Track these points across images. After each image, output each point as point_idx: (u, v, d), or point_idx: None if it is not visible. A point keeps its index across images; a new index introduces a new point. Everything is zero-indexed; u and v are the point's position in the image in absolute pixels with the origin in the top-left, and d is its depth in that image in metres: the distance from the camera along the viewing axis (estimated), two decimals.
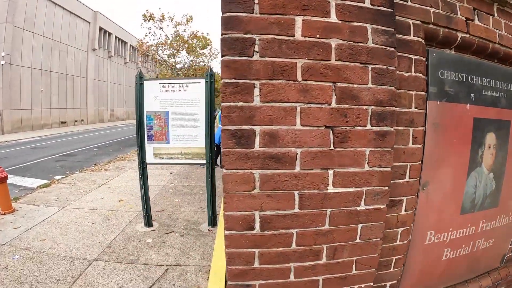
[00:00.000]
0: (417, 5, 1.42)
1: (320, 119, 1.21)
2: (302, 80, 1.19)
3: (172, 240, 3.54)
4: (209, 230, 3.80)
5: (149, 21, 14.61)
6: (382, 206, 1.34)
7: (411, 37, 1.41)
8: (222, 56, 1.14)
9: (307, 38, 1.18)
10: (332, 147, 1.24)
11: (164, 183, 6.36)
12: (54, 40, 26.06)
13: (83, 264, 2.99)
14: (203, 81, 3.62)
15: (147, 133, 3.57)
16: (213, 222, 3.84)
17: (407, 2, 1.40)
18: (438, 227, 1.70)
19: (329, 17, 1.19)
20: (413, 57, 1.42)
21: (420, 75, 1.45)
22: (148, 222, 3.84)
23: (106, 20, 36.21)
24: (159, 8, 15.04)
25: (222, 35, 1.13)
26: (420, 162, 1.52)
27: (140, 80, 3.53)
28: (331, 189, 1.27)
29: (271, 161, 1.21)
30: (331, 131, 1.23)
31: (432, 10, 1.45)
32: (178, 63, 15.71)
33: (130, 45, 43.60)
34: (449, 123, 1.59)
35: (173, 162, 3.73)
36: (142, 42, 14.79)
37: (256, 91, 1.17)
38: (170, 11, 14.97)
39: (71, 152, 11.54)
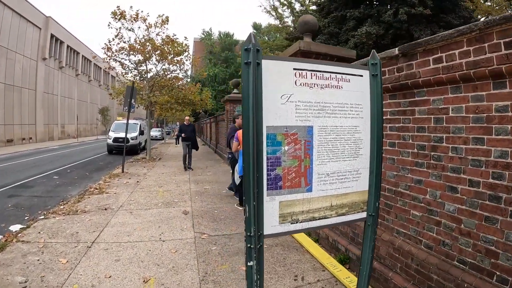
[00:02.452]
0: None
1: None
2: None
3: None
4: None
5: (119, 20, 12.39)
6: None
7: None
8: None
9: None
10: None
11: (191, 233, 4.28)
12: (1, 45, 22.23)
13: None
14: (366, 74, 1.87)
15: (268, 173, 1.66)
16: None
17: None
18: None
19: None
20: None
21: None
22: None
23: (58, 27, 32.59)
24: (131, 7, 12.43)
25: None
26: None
27: (253, 55, 1.54)
28: None
29: None
30: None
31: None
32: (149, 71, 13.49)
33: (83, 56, 39.99)
34: None
35: (316, 226, 1.84)
36: (109, 45, 12.39)
37: None
38: (144, 10, 13.08)
39: (25, 181, 8.71)
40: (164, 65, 13.55)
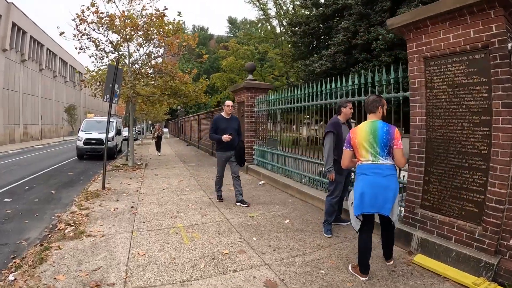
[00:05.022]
0: None
1: None
2: None
3: None
4: None
5: None
6: None
7: None
8: None
9: None
10: None
11: None
12: None
13: None
14: None
15: None
16: None
17: None
18: None
19: None
20: None
21: None
22: None
23: (20, 15, 28.10)
24: None
25: None
26: None
27: None
28: None
29: None
30: None
31: None
32: (131, 55, 10.45)
33: (48, 49, 35.52)
34: None
35: None
36: (83, 16, 9.23)
37: None
38: None
39: None
40: (150, 48, 10.57)
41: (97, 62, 10.35)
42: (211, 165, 11.22)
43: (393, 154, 2.69)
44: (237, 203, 5.46)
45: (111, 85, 6.85)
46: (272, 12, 32.45)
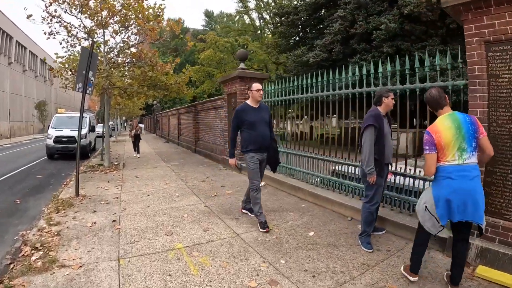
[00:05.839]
0: None
1: None
2: None
3: None
4: None
5: None
6: None
7: None
8: None
9: None
10: None
11: None
12: None
13: None
14: None
15: None
16: None
17: None
18: None
19: None
20: None
21: None
22: None
23: None
24: None
25: None
26: None
27: None
28: None
29: None
30: None
31: None
32: (106, 43, 9.28)
33: (17, 41, 32.86)
34: None
35: None
36: None
37: None
38: None
39: None
40: (128, 34, 9.39)
41: (69, 50, 9.07)
42: (196, 163, 10.26)
43: (479, 147, 2.42)
44: (243, 210, 4.58)
45: (84, 72, 5.72)
46: (252, 4, 31.64)
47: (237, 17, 38.62)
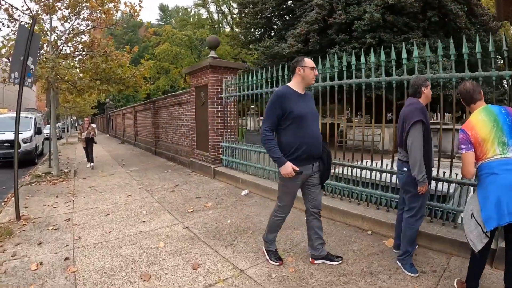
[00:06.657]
0: None
1: None
2: None
3: None
4: None
5: None
6: None
7: None
8: None
9: None
10: None
11: None
12: None
13: None
14: None
15: None
16: None
17: None
18: None
19: None
20: None
21: None
22: None
23: None
24: None
25: None
26: None
27: None
28: None
29: None
30: None
31: None
32: (55, 29, 7.85)
33: None
34: None
35: None
36: None
37: None
38: None
39: None
40: (78, 21, 7.93)
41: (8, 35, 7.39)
42: (160, 167, 8.99)
43: None
44: (320, 260, 2.90)
45: (22, 58, 4.30)
46: None
47: (194, 11, 37.00)
